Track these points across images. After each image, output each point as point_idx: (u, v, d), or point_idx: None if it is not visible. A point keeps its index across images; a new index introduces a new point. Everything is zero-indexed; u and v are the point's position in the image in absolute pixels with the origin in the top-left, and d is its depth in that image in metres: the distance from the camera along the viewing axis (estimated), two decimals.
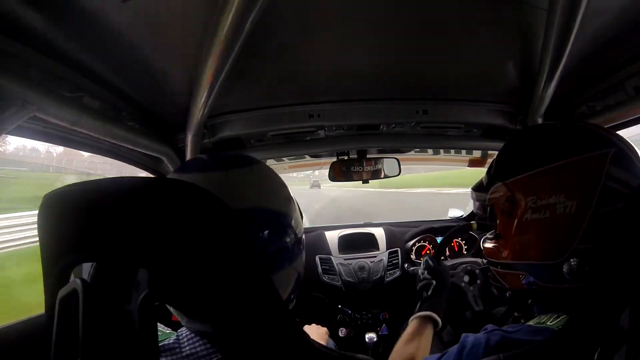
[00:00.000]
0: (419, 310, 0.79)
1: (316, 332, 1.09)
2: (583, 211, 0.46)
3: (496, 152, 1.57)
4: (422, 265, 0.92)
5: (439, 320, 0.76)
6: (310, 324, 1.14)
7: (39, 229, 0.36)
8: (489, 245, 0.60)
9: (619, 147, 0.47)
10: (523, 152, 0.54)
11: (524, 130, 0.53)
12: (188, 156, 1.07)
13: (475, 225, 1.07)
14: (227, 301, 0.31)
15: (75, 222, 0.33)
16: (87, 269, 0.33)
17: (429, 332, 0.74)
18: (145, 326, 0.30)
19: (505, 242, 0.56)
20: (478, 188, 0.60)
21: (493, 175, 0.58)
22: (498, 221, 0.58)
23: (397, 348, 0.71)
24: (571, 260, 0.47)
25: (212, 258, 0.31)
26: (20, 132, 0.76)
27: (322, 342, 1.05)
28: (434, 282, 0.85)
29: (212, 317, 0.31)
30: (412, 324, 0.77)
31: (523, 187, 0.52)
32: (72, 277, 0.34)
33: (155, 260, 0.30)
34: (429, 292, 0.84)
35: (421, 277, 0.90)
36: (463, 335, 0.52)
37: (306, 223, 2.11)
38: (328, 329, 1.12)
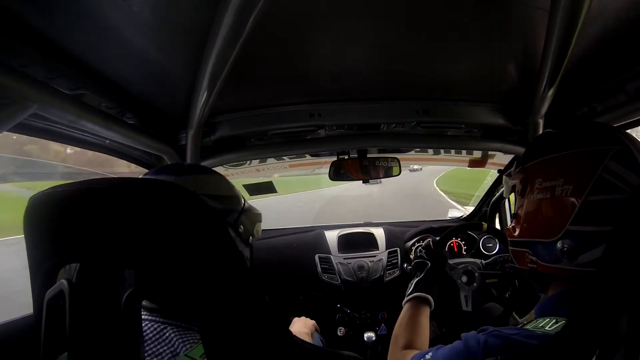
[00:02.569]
0: (414, 291, 0.82)
1: (304, 323, 1.11)
2: (577, 196, 0.51)
3: (497, 153, 1.57)
4: (423, 243, 0.93)
5: (433, 302, 0.80)
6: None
7: (25, 231, 0.36)
8: (510, 226, 0.66)
9: (626, 146, 0.51)
10: (544, 142, 0.60)
11: (555, 127, 0.61)
12: (188, 154, 1.07)
13: (485, 227, 1.08)
14: (215, 295, 0.32)
15: (60, 224, 0.33)
16: (74, 269, 0.33)
17: (425, 315, 0.77)
18: (130, 322, 0.31)
19: (518, 221, 0.62)
20: (508, 174, 0.68)
21: (519, 161, 0.64)
22: (516, 202, 0.64)
23: (394, 333, 0.74)
24: (565, 240, 0.52)
25: (199, 253, 0.31)
26: (22, 129, 0.77)
27: (308, 333, 1.07)
28: (429, 263, 0.87)
29: (197, 312, 0.32)
30: (407, 306, 0.80)
31: (535, 171, 0.58)
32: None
33: (141, 260, 0.30)
34: (423, 273, 0.86)
35: (417, 254, 0.92)
36: (463, 335, 0.53)
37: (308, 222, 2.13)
38: (326, 328, 1.13)
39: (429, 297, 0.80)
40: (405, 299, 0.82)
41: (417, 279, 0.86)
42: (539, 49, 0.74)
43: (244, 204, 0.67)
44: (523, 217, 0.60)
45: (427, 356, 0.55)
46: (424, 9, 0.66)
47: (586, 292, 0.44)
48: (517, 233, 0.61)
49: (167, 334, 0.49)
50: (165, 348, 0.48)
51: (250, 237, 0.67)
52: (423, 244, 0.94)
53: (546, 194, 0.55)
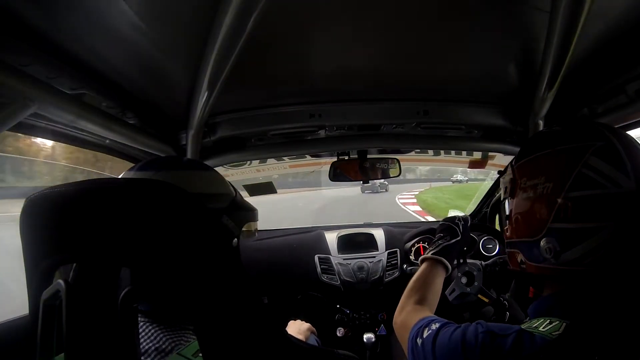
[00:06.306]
0: (439, 254, 0.83)
1: (299, 327, 1.10)
2: (557, 193, 0.51)
3: (497, 154, 1.57)
4: (462, 215, 0.95)
5: (450, 269, 0.82)
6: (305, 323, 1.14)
7: (21, 232, 0.36)
8: (505, 227, 0.66)
9: (609, 142, 0.50)
10: (532, 143, 0.60)
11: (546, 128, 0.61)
12: (189, 154, 1.07)
13: None
14: (209, 294, 0.32)
15: (56, 224, 0.33)
16: (70, 269, 0.33)
17: (442, 278, 0.80)
18: (126, 321, 0.31)
19: (509, 222, 0.62)
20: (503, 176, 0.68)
21: (510, 163, 0.64)
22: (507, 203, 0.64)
23: (410, 286, 0.76)
24: (548, 238, 0.52)
25: (194, 252, 0.31)
26: (22, 129, 0.77)
27: (302, 338, 1.06)
28: (461, 237, 0.89)
29: (193, 310, 0.32)
30: (427, 264, 0.82)
31: (521, 170, 0.59)
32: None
33: (137, 259, 0.31)
34: (452, 241, 0.87)
35: (455, 219, 0.93)
36: (463, 326, 0.53)
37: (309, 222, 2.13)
38: (326, 329, 1.12)
39: (449, 266, 0.81)
40: (428, 255, 0.83)
41: (446, 243, 0.86)
42: (539, 50, 0.74)
43: (232, 202, 0.60)
44: (512, 217, 0.60)
45: (433, 326, 0.56)
46: (424, 10, 0.66)
47: (583, 293, 0.44)
48: (508, 234, 0.62)
49: (151, 331, 0.49)
50: (150, 345, 0.48)
51: (235, 239, 0.60)
52: (461, 215, 0.94)
53: (530, 193, 0.55)
